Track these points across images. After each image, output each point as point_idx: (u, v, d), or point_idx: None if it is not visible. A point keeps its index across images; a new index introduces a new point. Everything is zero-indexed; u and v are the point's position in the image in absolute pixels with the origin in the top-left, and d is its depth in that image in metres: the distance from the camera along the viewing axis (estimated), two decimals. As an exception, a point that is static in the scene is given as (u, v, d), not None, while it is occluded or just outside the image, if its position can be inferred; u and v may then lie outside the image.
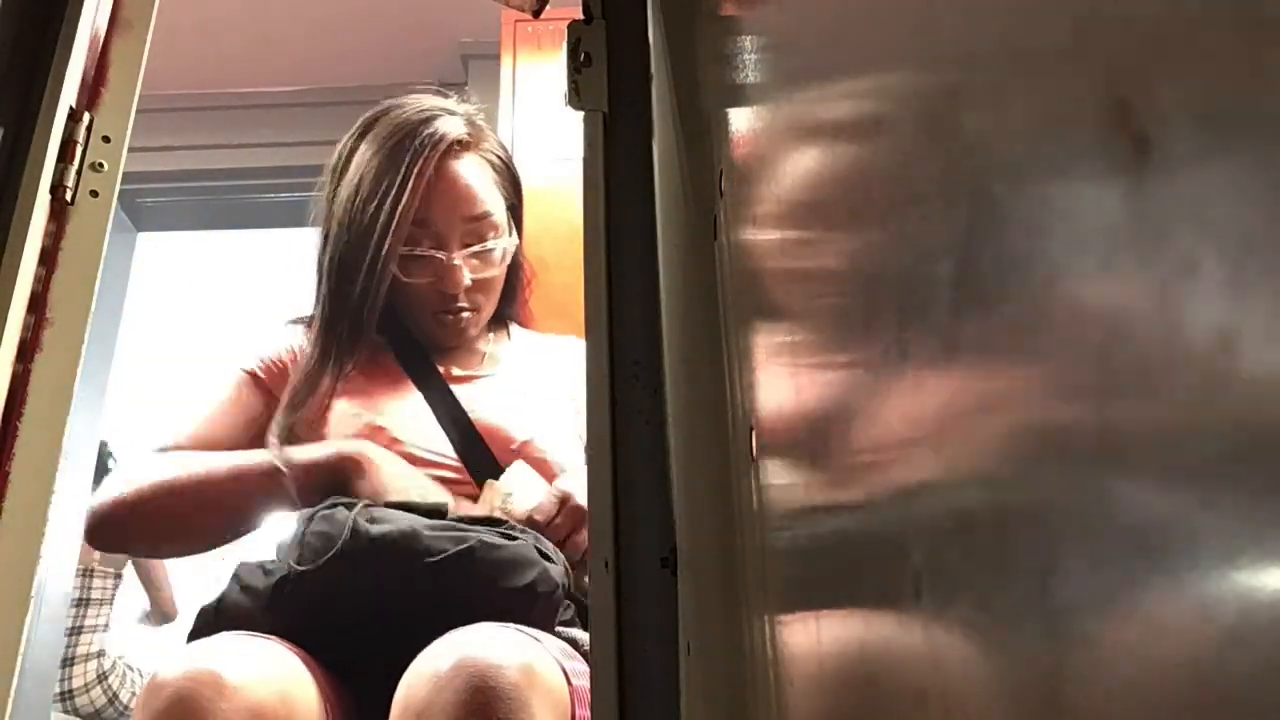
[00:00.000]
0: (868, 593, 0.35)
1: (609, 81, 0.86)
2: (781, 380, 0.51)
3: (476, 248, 1.32)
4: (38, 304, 0.76)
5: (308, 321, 1.35)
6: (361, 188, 1.29)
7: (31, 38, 0.82)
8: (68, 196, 0.79)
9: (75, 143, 0.80)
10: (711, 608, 0.63)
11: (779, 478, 0.52)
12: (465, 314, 1.32)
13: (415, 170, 1.28)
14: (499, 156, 1.38)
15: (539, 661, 0.94)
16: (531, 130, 2.14)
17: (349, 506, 1.08)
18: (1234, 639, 0.15)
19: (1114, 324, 0.19)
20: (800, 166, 0.47)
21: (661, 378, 0.74)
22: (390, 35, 2.48)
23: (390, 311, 1.33)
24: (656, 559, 0.71)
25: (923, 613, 0.29)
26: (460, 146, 1.32)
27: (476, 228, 1.32)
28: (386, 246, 1.27)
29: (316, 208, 1.37)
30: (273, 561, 1.07)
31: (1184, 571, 0.17)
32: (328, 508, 1.07)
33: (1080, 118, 0.20)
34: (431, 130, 1.30)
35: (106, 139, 0.81)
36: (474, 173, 1.33)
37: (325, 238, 1.33)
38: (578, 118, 0.86)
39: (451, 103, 1.39)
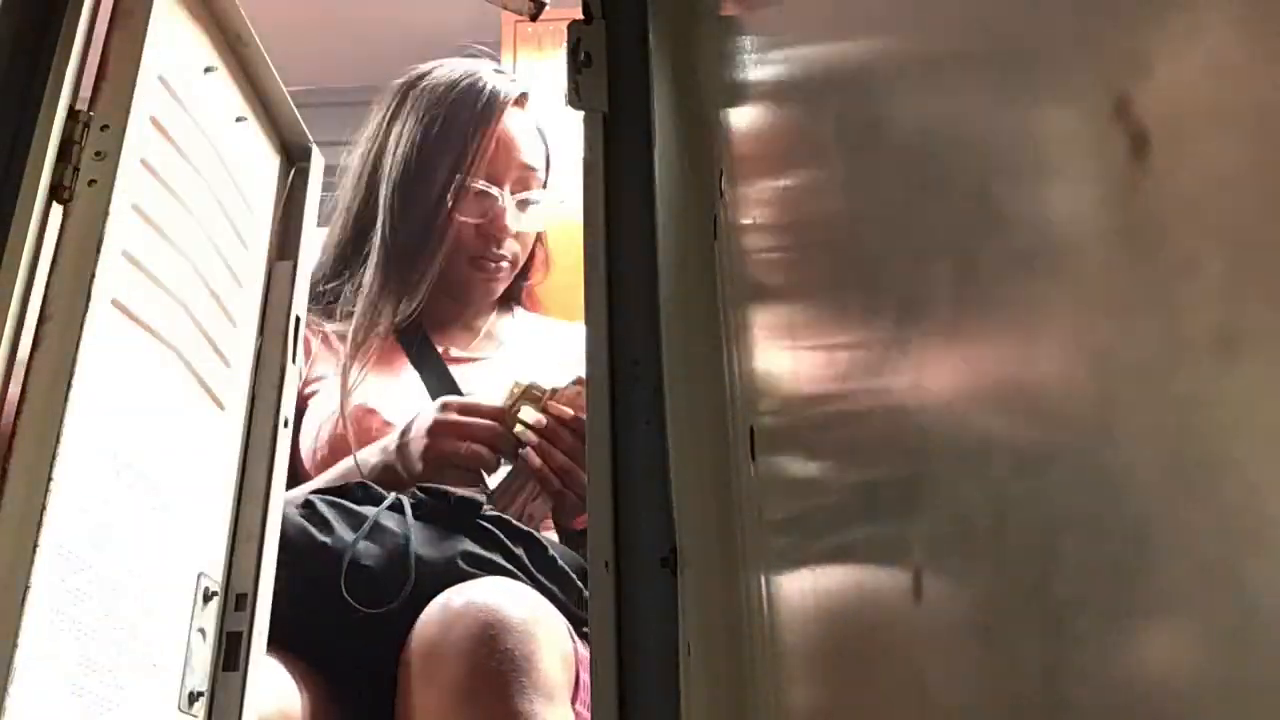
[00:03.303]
0: (868, 592, 0.35)
1: (609, 81, 0.86)
2: (782, 380, 0.51)
3: (523, 195, 1.36)
4: (37, 299, 0.76)
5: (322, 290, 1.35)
6: (433, 127, 1.32)
7: (31, 37, 0.82)
8: (67, 195, 0.79)
9: (75, 143, 0.80)
10: (711, 608, 0.63)
11: (779, 477, 0.52)
12: (503, 264, 1.34)
13: (491, 117, 1.33)
14: (541, 130, 1.45)
15: (545, 608, 0.96)
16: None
17: (348, 504, 1.08)
18: (1236, 637, 0.15)
19: (1113, 323, 0.19)
20: (800, 166, 0.47)
21: (661, 378, 0.74)
22: (390, 35, 2.48)
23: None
24: (656, 559, 0.71)
25: (923, 612, 0.29)
26: (522, 100, 1.40)
27: (526, 177, 1.38)
28: (458, 183, 1.31)
29: (341, 176, 1.40)
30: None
31: (1185, 570, 0.17)
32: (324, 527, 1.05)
33: (1079, 115, 0.20)
34: (499, 84, 1.37)
35: (105, 127, 0.81)
36: (526, 128, 1.40)
37: (373, 179, 1.34)
38: (578, 118, 0.86)
39: (504, 71, 1.45)
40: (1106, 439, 0.19)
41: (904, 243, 0.31)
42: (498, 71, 1.41)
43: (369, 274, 1.32)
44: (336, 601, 0.99)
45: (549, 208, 1.42)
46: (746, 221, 0.61)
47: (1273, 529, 0.14)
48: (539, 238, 1.44)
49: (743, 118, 0.63)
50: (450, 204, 1.31)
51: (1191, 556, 0.16)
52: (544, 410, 1.16)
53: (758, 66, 0.58)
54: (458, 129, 1.32)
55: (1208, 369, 0.16)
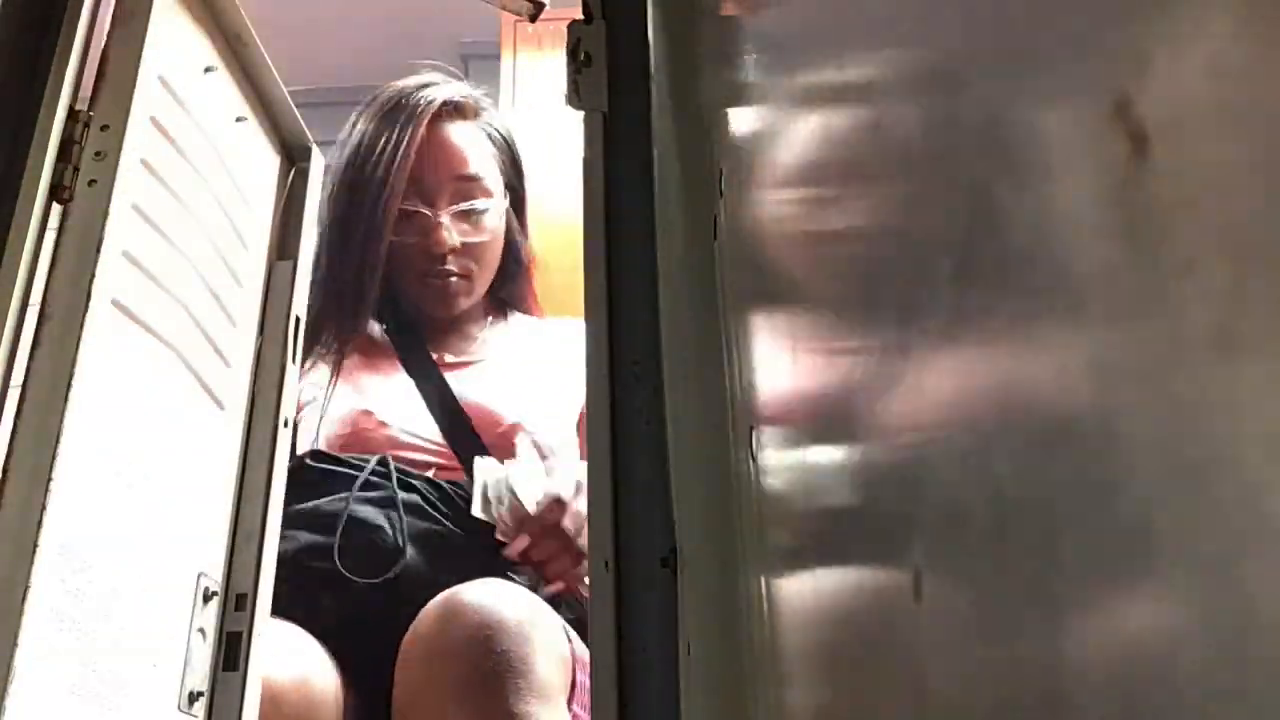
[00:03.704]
0: (868, 591, 0.35)
1: (609, 81, 0.86)
2: (782, 379, 0.51)
3: (463, 206, 1.32)
4: (37, 299, 0.76)
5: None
6: (360, 151, 1.30)
7: (31, 38, 0.82)
8: (67, 195, 0.79)
9: (75, 143, 0.80)
10: (711, 608, 0.63)
11: (779, 476, 0.52)
12: (453, 279, 1.31)
13: (410, 128, 1.29)
14: (499, 132, 1.40)
15: (541, 610, 0.97)
16: (531, 130, 2.14)
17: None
18: (1236, 637, 0.15)
19: (1113, 322, 0.19)
20: (800, 166, 0.47)
21: (661, 377, 0.74)
22: (390, 35, 2.48)
23: (391, 299, 1.34)
24: (656, 559, 0.71)
25: (923, 612, 0.29)
26: (454, 110, 1.34)
27: (465, 188, 1.33)
28: (383, 203, 1.27)
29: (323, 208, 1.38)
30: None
31: (1185, 569, 0.17)
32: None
33: (1079, 115, 0.20)
34: (425, 93, 1.33)
35: (105, 127, 0.81)
36: (466, 136, 1.35)
37: (329, 205, 1.33)
38: (578, 117, 0.86)
39: (454, 81, 1.40)
40: (1106, 439, 0.19)
41: (904, 242, 0.31)
42: (445, 82, 1.37)
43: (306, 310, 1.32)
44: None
45: (500, 209, 1.37)
46: (747, 221, 0.61)
47: (1272, 529, 0.14)
48: (511, 240, 1.40)
49: (743, 118, 0.63)
50: (382, 225, 1.27)
51: (1191, 556, 0.16)
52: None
53: (758, 66, 0.58)
54: (383, 147, 1.29)
55: (1208, 369, 0.16)
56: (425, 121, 1.31)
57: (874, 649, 0.35)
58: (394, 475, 1.10)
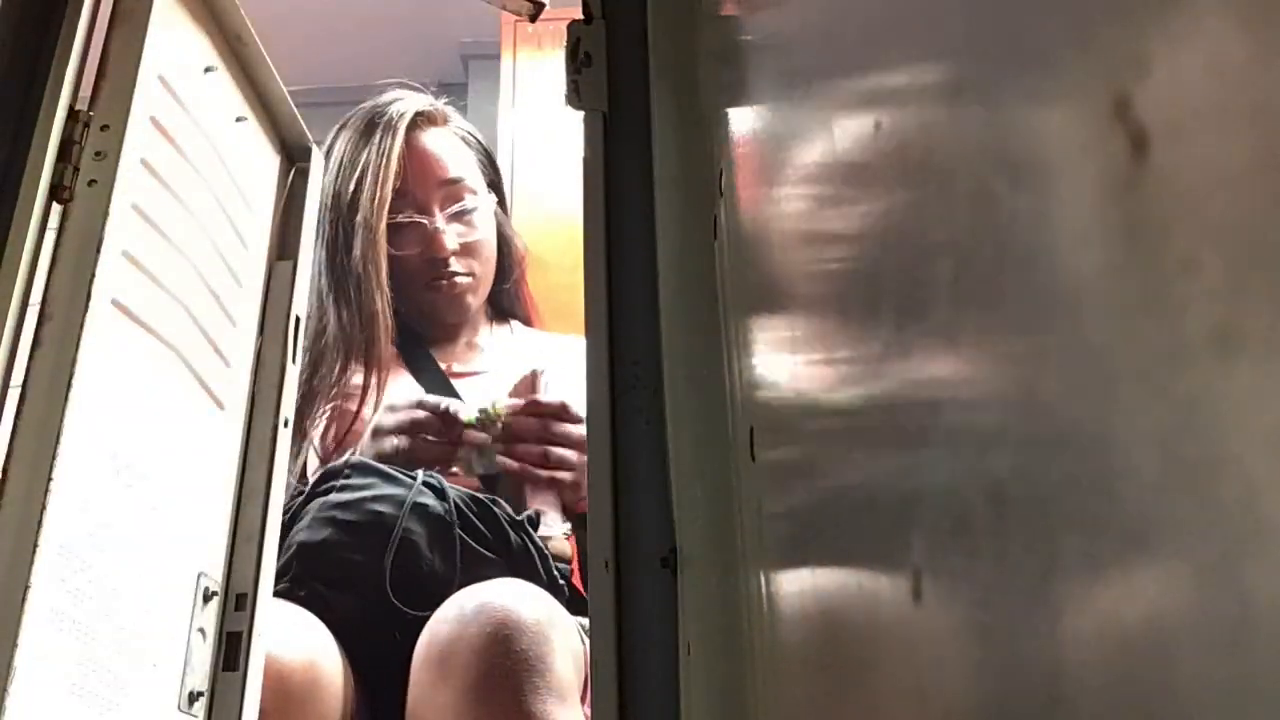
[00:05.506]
0: (868, 592, 0.35)
1: (609, 81, 0.86)
2: (782, 380, 0.51)
3: (455, 208, 1.35)
4: (37, 299, 0.76)
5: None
6: (341, 172, 1.32)
7: (31, 37, 0.82)
8: (67, 195, 0.79)
9: (75, 143, 0.80)
10: (711, 608, 0.63)
11: (779, 477, 0.52)
12: (460, 279, 1.34)
13: (389, 141, 1.32)
14: (470, 135, 1.45)
15: (558, 611, 0.97)
16: (531, 130, 2.14)
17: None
18: (1235, 638, 0.15)
19: (1113, 323, 0.19)
20: (800, 166, 0.47)
21: (661, 378, 0.74)
22: (390, 35, 2.48)
23: (394, 313, 1.35)
24: (656, 559, 0.71)
25: (922, 612, 0.29)
26: (425, 119, 1.38)
27: (453, 190, 1.36)
28: (374, 213, 1.30)
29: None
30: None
31: (1185, 569, 0.17)
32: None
33: (1079, 115, 0.20)
34: (395, 106, 1.37)
35: (105, 127, 0.81)
36: (443, 142, 1.39)
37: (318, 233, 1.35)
38: (578, 118, 0.86)
39: (416, 93, 1.44)
40: (1106, 439, 0.19)
41: (904, 242, 0.31)
42: (409, 95, 1.40)
43: (311, 328, 1.31)
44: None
45: (489, 207, 1.40)
46: (746, 221, 0.61)
47: (1272, 529, 0.14)
48: (504, 236, 1.43)
49: (742, 118, 0.63)
50: (375, 244, 1.29)
51: (1191, 556, 0.16)
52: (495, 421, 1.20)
53: (757, 67, 0.58)
54: (365, 161, 1.31)
55: (1208, 369, 0.16)
56: (402, 132, 1.34)
57: (874, 649, 0.35)
58: (446, 491, 1.11)
